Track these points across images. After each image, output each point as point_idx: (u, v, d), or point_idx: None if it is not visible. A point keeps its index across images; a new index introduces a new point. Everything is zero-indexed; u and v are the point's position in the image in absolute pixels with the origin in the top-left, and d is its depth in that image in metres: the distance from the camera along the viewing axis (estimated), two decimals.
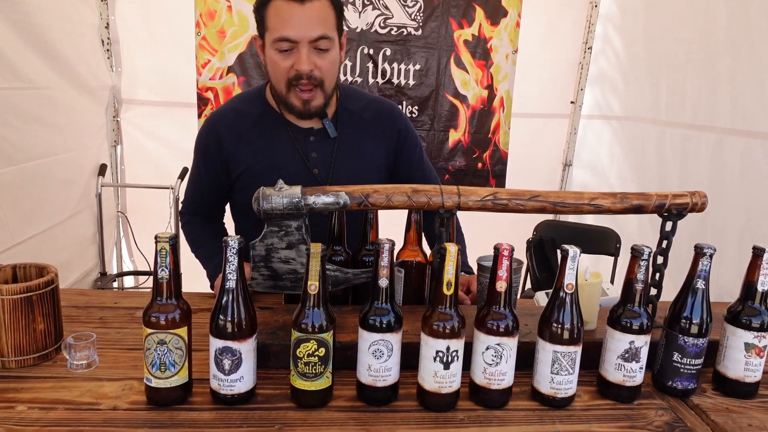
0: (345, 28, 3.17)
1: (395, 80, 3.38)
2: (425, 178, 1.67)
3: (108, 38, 3.08)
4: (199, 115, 3.23)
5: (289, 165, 1.52)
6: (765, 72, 2.16)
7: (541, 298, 1.51)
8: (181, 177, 3.04)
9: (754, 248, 1.12)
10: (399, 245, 1.28)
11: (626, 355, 1.09)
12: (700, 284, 1.10)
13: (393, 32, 3.30)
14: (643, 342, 1.08)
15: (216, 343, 1.02)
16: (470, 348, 1.08)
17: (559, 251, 1.07)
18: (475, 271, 1.37)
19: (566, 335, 1.05)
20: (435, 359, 1.03)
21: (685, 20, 2.69)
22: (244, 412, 1.03)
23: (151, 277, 1.04)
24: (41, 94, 2.53)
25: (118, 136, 3.28)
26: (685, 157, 2.67)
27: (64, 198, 2.82)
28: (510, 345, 1.05)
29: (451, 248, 1.01)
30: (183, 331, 1.02)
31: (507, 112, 3.56)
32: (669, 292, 1.28)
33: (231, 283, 1.01)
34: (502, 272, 1.04)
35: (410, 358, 1.08)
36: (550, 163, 3.77)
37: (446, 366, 1.03)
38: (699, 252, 1.09)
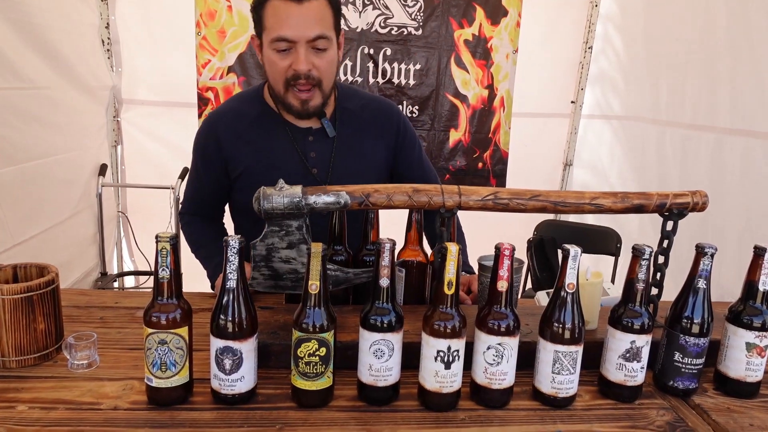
0: (345, 27, 3.21)
1: (395, 80, 3.38)
2: (425, 177, 1.67)
3: (108, 38, 3.08)
4: (200, 115, 3.23)
5: (288, 165, 1.52)
6: (765, 72, 2.16)
7: (542, 297, 1.51)
8: (182, 177, 3.04)
9: (756, 248, 1.12)
10: (400, 245, 1.28)
11: (627, 355, 1.09)
12: (701, 284, 1.10)
13: (393, 32, 3.30)
14: (644, 342, 1.08)
15: (217, 343, 1.01)
16: (471, 348, 1.07)
17: (560, 251, 1.07)
18: (476, 271, 1.37)
19: (567, 335, 1.05)
20: (436, 359, 1.03)
21: (686, 20, 2.69)
22: (245, 412, 1.03)
23: (152, 277, 1.04)
24: (41, 94, 2.53)
25: (118, 136, 3.28)
26: (685, 157, 2.67)
27: (65, 198, 2.82)
28: (511, 345, 1.04)
29: (452, 248, 1.01)
30: (184, 331, 1.02)
31: (507, 112, 3.56)
32: (669, 292, 1.28)
33: (232, 283, 1.01)
34: (503, 272, 1.04)
35: (411, 357, 1.08)
36: (550, 162, 3.77)
37: (447, 366, 1.03)
38: (700, 251, 1.09)
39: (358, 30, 3.27)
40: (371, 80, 3.36)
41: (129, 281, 3.52)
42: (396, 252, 1.07)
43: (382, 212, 1.35)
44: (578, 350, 1.06)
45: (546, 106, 3.65)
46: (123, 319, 1.38)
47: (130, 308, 1.44)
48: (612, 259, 2.89)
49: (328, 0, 1.39)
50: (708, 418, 1.08)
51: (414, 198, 1.20)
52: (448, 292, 1.02)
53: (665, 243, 1.25)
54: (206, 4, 3.11)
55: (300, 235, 1.20)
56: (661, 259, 1.26)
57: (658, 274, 1.27)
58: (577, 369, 1.07)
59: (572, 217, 3.30)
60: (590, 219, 3.22)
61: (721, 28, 2.42)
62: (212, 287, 1.57)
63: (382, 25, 3.29)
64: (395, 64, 3.36)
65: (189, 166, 1.68)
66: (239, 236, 1.01)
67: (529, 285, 2.98)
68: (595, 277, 1.27)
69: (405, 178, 1.63)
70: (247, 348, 1.02)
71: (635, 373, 1.10)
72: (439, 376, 1.04)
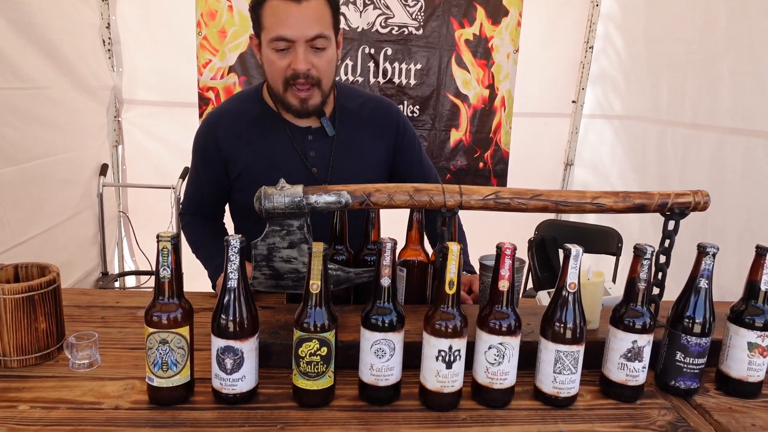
0: (346, 27, 3.21)
1: (396, 80, 3.38)
2: (425, 176, 1.67)
3: (109, 38, 3.08)
4: (200, 115, 3.23)
5: (288, 164, 1.52)
6: (766, 71, 2.16)
7: (544, 297, 1.51)
8: (183, 177, 3.04)
9: (758, 247, 1.12)
10: (401, 244, 1.28)
11: (629, 355, 1.09)
12: (703, 283, 1.09)
13: (394, 32, 3.30)
14: (645, 341, 1.08)
15: (218, 343, 1.01)
16: (472, 347, 1.07)
17: (561, 250, 1.07)
18: (477, 271, 1.37)
19: (569, 334, 1.05)
20: (437, 358, 1.03)
21: (686, 19, 2.69)
22: (246, 412, 1.03)
23: (153, 276, 1.04)
24: (42, 94, 2.53)
25: (119, 136, 3.28)
26: (686, 157, 2.67)
27: (66, 198, 2.82)
28: (512, 344, 1.04)
29: (454, 247, 1.01)
30: (185, 331, 1.02)
31: (508, 112, 3.56)
32: (668, 292, 1.28)
33: (233, 283, 1.01)
34: (505, 271, 1.03)
35: (412, 357, 1.08)
36: (551, 162, 3.77)
37: (448, 365, 1.03)
38: (702, 251, 1.09)
39: (359, 30, 3.27)
40: (372, 80, 3.36)
41: (130, 281, 3.52)
42: (397, 251, 1.07)
43: (383, 212, 1.35)
44: (580, 350, 1.06)
45: (547, 105, 3.64)
46: (124, 319, 1.38)
47: (131, 308, 1.44)
48: (613, 259, 2.89)
49: None
50: (710, 418, 1.07)
51: (415, 197, 1.20)
52: (450, 291, 1.02)
53: (667, 242, 1.25)
54: (207, 4, 3.11)
55: (301, 235, 1.20)
56: (662, 259, 1.26)
57: (660, 274, 1.27)
58: (579, 369, 1.07)
59: (573, 217, 3.30)
60: (591, 219, 3.22)
61: (722, 28, 2.41)
62: (213, 287, 1.57)
63: (383, 24, 3.28)
64: (396, 64, 3.36)
65: (189, 166, 1.68)
66: (240, 236, 1.01)
67: (530, 285, 2.98)
68: (596, 277, 1.27)
69: (405, 177, 1.63)
70: (248, 347, 1.02)
71: (637, 373, 1.09)
72: (440, 375, 1.03)
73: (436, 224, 1.23)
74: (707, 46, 2.52)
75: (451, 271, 1.02)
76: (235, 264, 1.00)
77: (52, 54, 2.55)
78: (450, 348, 1.02)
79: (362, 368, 1.07)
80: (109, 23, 3.06)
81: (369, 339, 1.04)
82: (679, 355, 1.11)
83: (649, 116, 2.99)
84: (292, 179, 1.21)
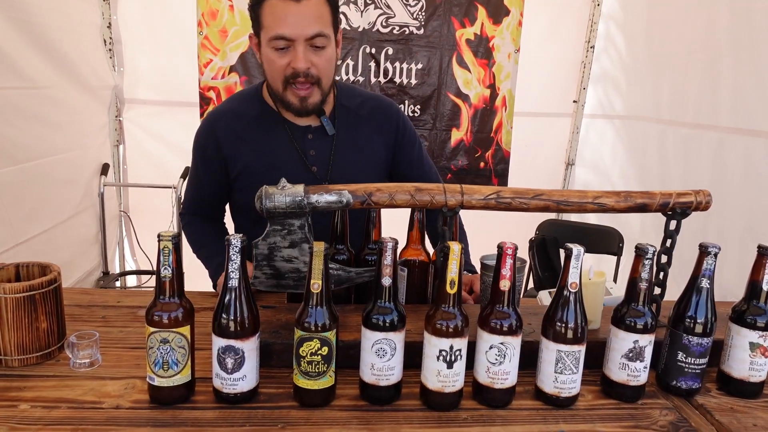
0: (347, 27, 3.20)
1: (397, 79, 3.37)
2: (425, 176, 1.66)
3: (110, 38, 3.08)
4: (201, 115, 3.23)
5: (288, 163, 1.52)
6: (767, 71, 2.15)
7: (545, 297, 1.51)
8: (184, 176, 3.04)
9: (760, 247, 1.12)
10: (402, 244, 1.28)
11: (630, 355, 1.08)
12: (704, 283, 1.09)
13: (395, 31, 3.30)
14: (647, 341, 1.08)
15: (219, 342, 1.01)
16: (473, 347, 1.07)
17: (562, 250, 1.07)
18: (479, 270, 1.37)
19: (570, 334, 1.05)
20: (438, 358, 1.03)
21: (687, 19, 2.69)
22: (246, 411, 1.03)
23: (154, 276, 1.04)
24: (43, 93, 2.53)
25: (120, 136, 3.28)
26: (687, 156, 2.66)
27: (67, 197, 2.82)
28: (513, 344, 1.04)
29: (455, 247, 1.01)
30: (186, 330, 1.02)
31: (509, 111, 3.56)
32: (670, 292, 1.27)
33: (234, 282, 1.01)
34: (506, 271, 1.03)
35: (413, 357, 1.08)
36: (552, 162, 3.76)
37: (449, 365, 1.03)
38: (704, 251, 1.09)
39: (360, 29, 3.27)
40: (373, 80, 3.36)
41: (131, 280, 3.52)
42: (398, 251, 1.07)
43: (384, 211, 1.35)
44: (581, 350, 1.06)
45: (548, 105, 3.64)
46: (125, 318, 1.38)
47: (132, 307, 1.44)
48: (614, 259, 2.89)
49: None
50: (711, 418, 1.07)
51: (416, 197, 1.20)
52: (451, 291, 1.02)
53: (668, 242, 1.25)
54: (208, 4, 3.11)
55: (302, 234, 1.20)
56: (664, 259, 1.26)
57: (661, 274, 1.27)
58: (580, 368, 1.07)
59: (574, 217, 3.30)
60: (592, 219, 3.22)
61: (723, 27, 2.41)
62: (214, 287, 1.57)
63: (384, 24, 3.28)
64: (397, 64, 3.35)
65: (190, 166, 1.68)
66: (241, 235, 1.01)
67: (530, 285, 2.97)
68: (597, 277, 1.27)
69: (406, 176, 1.63)
70: (249, 347, 1.02)
71: (638, 373, 1.09)
72: (441, 375, 1.03)
73: (437, 224, 1.22)
74: (708, 45, 2.52)
75: (452, 270, 1.02)
76: (236, 263, 1.00)
77: (53, 53, 2.55)
78: (451, 348, 1.02)
79: (363, 368, 1.07)
80: (110, 23, 3.06)
81: (370, 338, 1.04)
82: (680, 355, 1.11)
83: (650, 116, 2.99)
84: (291, 178, 1.21)
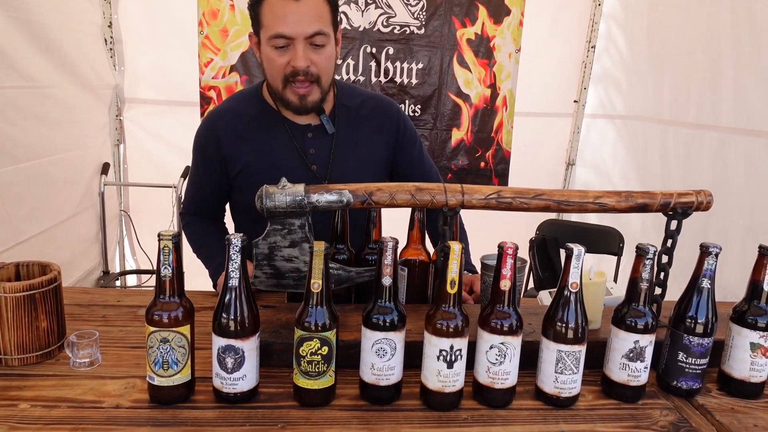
0: (348, 26, 3.20)
1: (398, 79, 3.37)
2: (426, 176, 1.66)
3: (111, 37, 3.08)
4: (202, 114, 3.23)
5: (288, 162, 1.52)
6: None
7: (545, 297, 1.50)
8: (184, 176, 3.04)
9: (761, 247, 1.12)
10: (402, 244, 1.28)
11: (631, 355, 1.08)
12: (705, 283, 1.09)
13: (396, 31, 3.30)
14: (647, 341, 1.08)
15: (219, 342, 1.01)
16: (474, 347, 1.07)
17: (562, 250, 1.07)
18: (479, 270, 1.37)
19: (570, 334, 1.05)
20: (438, 358, 1.03)
21: (688, 19, 2.68)
22: (246, 411, 1.03)
23: (154, 275, 1.04)
24: (44, 92, 2.53)
25: (120, 135, 3.28)
26: (688, 157, 2.66)
27: (67, 196, 2.82)
28: (514, 344, 1.04)
29: (455, 247, 1.01)
30: (186, 329, 1.02)
31: (510, 111, 3.55)
32: (670, 292, 1.27)
33: (234, 282, 1.01)
34: (506, 271, 1.03)
35: (413, 356, 1.08)
36: (553, 162, 3.76)
37: (450, 365, 1.03)
38: (704, 251, 1.08)
39: (361, 29, 3.27)
40: (373, 79, 3.35)
41: (131, 280, 3.53)
42: (398, 251, 1.07)
43: (384, 211, 1.35)
44: (581, 350, 1.06)
45: (549, 105, 3.64)
46: (125, 318, 1.38)
47: (132, 306, 1.44)
48: (614, 259, 2.89)
49: None
50: (712, 419, 1.07)
51: (417, 197, 1.20)
52: (451, 291, 1.02)
53: (669, 242, 1.25)
54: (209, 3, 3.11)
55: (302, 234, 1.20)
56: (664, 259, 1.26)
57: (662, 274, 1.26)
58: (580, 369, 1.07)
59: (574, 217, 3.29)
60: (592, 219, 3.21)
61: (725, 27, 2.41)
62: (214, 286, 1.57)
63: (385, 24, 3.28)
64: (398, 63, 3.35)
65: (190, 165, 1.68)
66: (242, 234, 1.01)
67: (530, 285, 2.97)
68: (598, 277, 1.27)
69: (406, 176, 1.62)
70: (249, 346, 1.02)
71: (639, 373, 1.09)
72: (441, 375, 1.03)
73: (438, 223, 1.22)
74: (709, 45, 2.52)
75: (453, 270, 1.01)
76: (236, 263, 1.00)
77: (54, 53, 2.56)
78: (451, 347, 1.02)
79: (363, 368, 1.06)
80: (111, 22, 3.06)
81: (370, 338, 1.03)
82: (681, 356, 1.11)
83: (651, 116, 2.99)
84: (291, 177, 1.21)
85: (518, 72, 3.49)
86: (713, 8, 2.48)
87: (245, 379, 1.03)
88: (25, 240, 2.38)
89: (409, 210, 1.35)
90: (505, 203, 1.21)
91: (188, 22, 3.12)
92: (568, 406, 1.09)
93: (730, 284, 1.88)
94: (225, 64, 3.20)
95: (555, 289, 1.09)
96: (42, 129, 2.51)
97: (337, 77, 1.54)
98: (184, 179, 3.01)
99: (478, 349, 1.07)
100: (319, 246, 1.00)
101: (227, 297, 1.01)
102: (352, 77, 3.33)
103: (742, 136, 2.28)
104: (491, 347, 1.04)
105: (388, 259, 1.02)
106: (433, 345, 1.03)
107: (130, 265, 3.49)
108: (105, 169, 3.10)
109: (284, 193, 1.17)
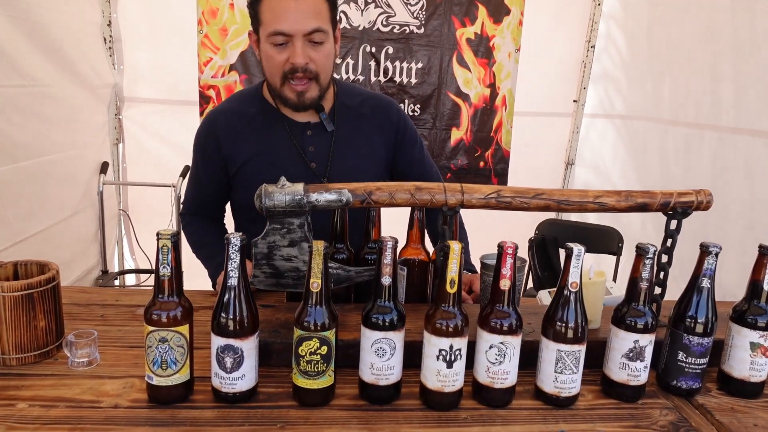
0: (347, 26, 3.20)
1: (397, 78, 3.37)
2: (426, 175, 1.66)
3: (110, 36, 3.08)
4: (201, 113, 3.23)
5: (287, 159, 1.52)
6: None
7: (544, 296, 1.50)
8: (183, 175, 3.03)
9: (761, 247, 1.12)
10: (402, 243, 1.27)
11: (631, 354, 1.08)
12: (705, 283, 1.09)
13: (395, 30, 3.30)
14: (647, 341, 1.08)
15: (218, 341, 1.01)
16: (473, 347, 1.07)
17: (562, 250, 1.06)
18: (479, 270, 1.37)
19: (570, 334, 1.05)
20: (438, 358, 1.02)
21: (689, 18, 2.68)
22: (245, 411, 1.03)
23: (153, 274, 1.03)
24: (43, 91, 2.53)
25: (120, 134, 3.28)
26: (688, 156, 2.66)
27: (66, 196, 2.82)
28: (513, 344, 1.04)
29: (455, 246, 1.00)
30: (184, 329, 1.01)
31: (509, 111, 3.55)
32: (670, 292, 1.27)
33: (233, 281, 1.00)
34: (506, 270, 1.03)
35: (413, 356, 1.07)
36: (552, 161, 3.76)
37: (449, 365, 1.02)
38: (704, 251, 1.08)
39: (360, 28, 3.27)
40: (373, 79, 3.35)
41: (130, 279, 3.52)
42: (398, 250, 1.07)
43: (384, 210, 1.35)
44: (581, 349, 1.06)
45: (548, 105, 3.64)
46: (124, 317, 1.38)
47: (131, 306, 1.44)
48: (613, 258, 2.89)
49: None
50: (712, 418, 1.07)
51: (416, 196, 1.19)
52: (451, 290, 1.02)
53: (669, 242, 1.24)
54: (208, 2, 3.11)
55: (301, 233, 1.20)
56: (664, 258, 1.26)
57: (662, 273, 1.26)
58: (580, 368, 1.07)
59: (574, 216, 3.29)
60: (592, 218, 3.21)
61: (725, 27, 2.41)
62: (213, 286, 1.57)
63: (384, 23, 3.28)
64: (397, 63, 3.35)
65: (190, 165, 1.68)
66: (241, 234, 1.00)
67: (530, 284, 2.97)
68: (598, 276, 1.26)
69: (406, 176, 1.62)
70: (248, 346, 1.02)
71: (638, 373, 1.09)
72: (441, 375, 1.03)
73: (438, 223, 1.22)
74: (709, 45, 2.52)
75: (452, 269, 1.01)
76: (235, 262, 0.99)
77: (53, 51, 2.55)
78: (451, 347, 1.02)
79: (362, 367, 1.06)
80: (110, 21, 3.06)
81: (369, 338, 1.03)
82: (680, 355, 1.11)
83: (650, 116, 2.99)
84: (290, 174, 1.21)
85: (518, 72, 3.49)
86: (713, 8, 2.48)
87: (244, 378, 1.03)
88: (23, 239, 2.38)
89: (408, 209, 1.35)
90: (505, 203, 1.21)
91: (187, 21, 3.12)
92: (568, 405, 1.09)
93: (730, 284, 1.88)
94: (224, 63, 3.19)
95: (554, 289, 1.09)
96: (41, 128, 2.51)
97: (337, 76, 1.54)
98: (183, 178, 3.01)
99: (478, 348, 1.06)
100: (319, 245, 1.00)
101: (226, 296, 1.01)
102: (352, 76, 3.33)
103: (742, 136, 2.28)
104: (491, 347, 1.04)
105: (387, 258, 1.01)
106: (433, 345, 1.02)
107: (128, 264, 3.49)
108: (104, 168, 3.09)
109: (283, 193, 1.17)
